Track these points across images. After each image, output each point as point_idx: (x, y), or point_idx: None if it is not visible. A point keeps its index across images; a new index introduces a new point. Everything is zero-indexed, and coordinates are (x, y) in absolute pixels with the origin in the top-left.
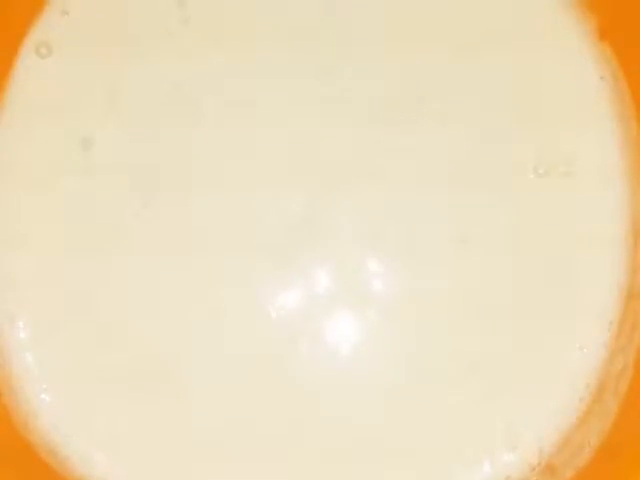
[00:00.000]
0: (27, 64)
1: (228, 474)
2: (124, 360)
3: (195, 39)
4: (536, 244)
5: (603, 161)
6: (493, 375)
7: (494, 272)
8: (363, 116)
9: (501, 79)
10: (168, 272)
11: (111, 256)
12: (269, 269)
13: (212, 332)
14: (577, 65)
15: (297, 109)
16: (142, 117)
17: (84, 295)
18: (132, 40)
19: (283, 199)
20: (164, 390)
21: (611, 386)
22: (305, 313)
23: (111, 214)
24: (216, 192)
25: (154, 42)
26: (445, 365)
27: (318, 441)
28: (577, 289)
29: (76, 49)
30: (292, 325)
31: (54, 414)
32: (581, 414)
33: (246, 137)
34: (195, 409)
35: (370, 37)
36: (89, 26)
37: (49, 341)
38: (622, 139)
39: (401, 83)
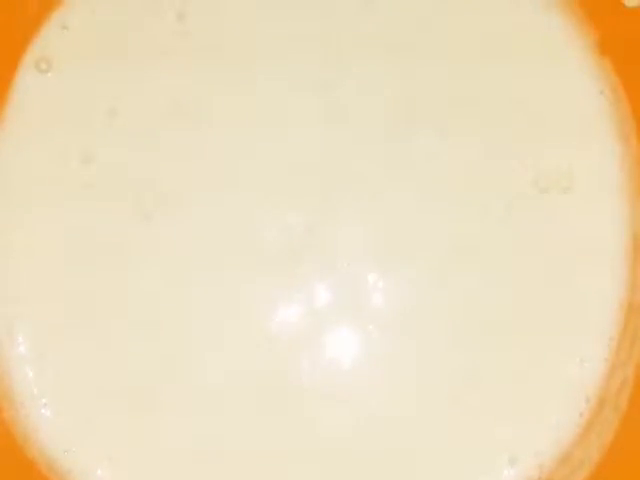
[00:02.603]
0: (27, 79)
1: None
2: (124, 374)
3: (195, 53)
4: (536, 258)
5: (603, 175)
6: (493, 389)
7: (494, 286)
8: (363, 130)
9: (501, 94)
10: (168, 286)
11: (111, 270)
12: (269, 283)
13: (212, 346)
14: (577, 80)
15: (297, 123)
16: (142, 131)
17: (84, 309)
18: (132, 54)
19: (284, 213)
20: (164, 404)
21: (611, 400)
22: (305, 327)
23: (111, 229)
24: (217, 206)
25: (154, 56)
26: (445, 379)
27: (317, 455)
28: (577, 303)
29: (76, 64)
30: (292, 339)
31: (54, 429)
32: (581, 429)
33: (246, 151)
34: (195, 423)
35: (370, 52)
36: (89, 41)
37: (49, 355)
38: (622, 154)
39: (401, 98)
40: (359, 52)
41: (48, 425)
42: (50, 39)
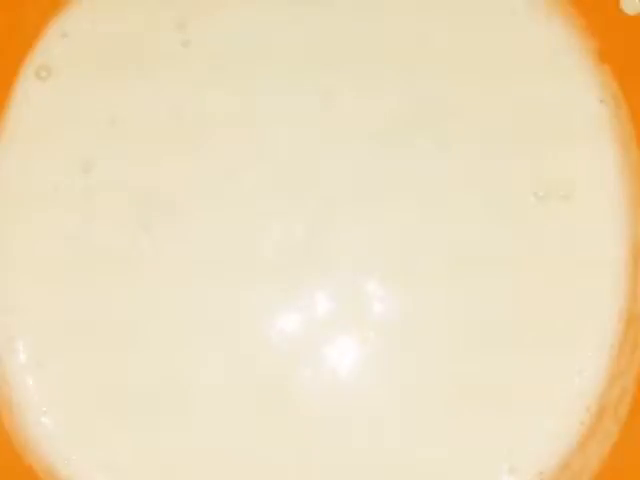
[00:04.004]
0: (27, 87)
1: None
2: (124, 383)
3: (195, 62)
4: (536, 267)
5: (603, 184)
6: (493, 398)
7: (494, 294)
8: (363, 140)
9: (501, 102)
10: (168, 294)
11: (111, 279)
12: (270, 291)
13: (212, 355)
14: (577, 88)
15: (297, 132)
16: (142, 139)
17: (84, 318)
18: (132, 62)
19: (283, 223)
20: (164, 413)
21: (611, 409)
22: (305, 336)
23: (111, 237)
24: (216, 215)
25: (154, 64)
26: (445, 388)
27: (317, 462)
28: (577, 312)
29: (76, 71)
30: (293, 348)
31: (54, 437)
32: (581, 438)
33: (246, 159)
34: (196, 432)
35: (370, 61)
36: (89, 48)
37: (49, 364)
38: (622, 162)
39: (400, 107)
40: (359, 62)
41: (48, 433)
42: (50, 47)
